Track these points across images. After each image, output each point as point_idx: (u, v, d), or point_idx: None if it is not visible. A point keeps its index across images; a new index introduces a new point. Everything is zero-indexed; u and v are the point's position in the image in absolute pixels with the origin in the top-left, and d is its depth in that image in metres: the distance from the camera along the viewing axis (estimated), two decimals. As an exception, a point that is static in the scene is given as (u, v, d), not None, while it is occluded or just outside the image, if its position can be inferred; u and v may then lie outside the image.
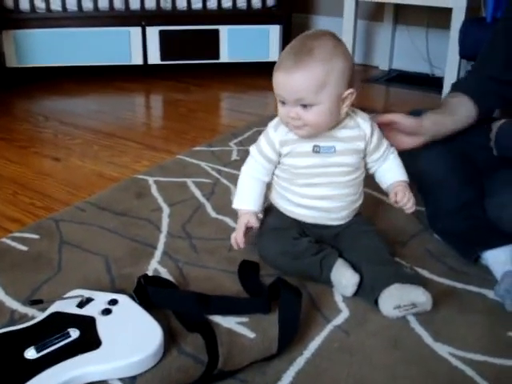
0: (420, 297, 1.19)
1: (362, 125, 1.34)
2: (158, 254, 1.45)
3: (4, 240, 1.51)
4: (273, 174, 1.39)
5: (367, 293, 1.26)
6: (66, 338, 1.08)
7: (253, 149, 1.39)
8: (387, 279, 1.23)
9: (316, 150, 1.32)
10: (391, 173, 1.41)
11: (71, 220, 1.61)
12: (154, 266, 1.40)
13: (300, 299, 1.19)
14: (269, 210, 1.45)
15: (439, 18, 3.00)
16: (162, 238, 1.52)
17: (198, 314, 1.22)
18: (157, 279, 1.31)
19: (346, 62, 1.24)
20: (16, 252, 1.46)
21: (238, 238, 1.36)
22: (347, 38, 2.91)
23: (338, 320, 1.21)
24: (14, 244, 1.49)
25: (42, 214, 1.68)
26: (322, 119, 1.26)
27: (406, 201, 1.36)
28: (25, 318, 1.22)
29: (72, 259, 1.43)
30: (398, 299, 1.19)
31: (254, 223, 1.38)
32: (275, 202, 1.43)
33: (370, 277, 1.27)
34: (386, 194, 1.44)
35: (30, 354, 1.05)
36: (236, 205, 1.42)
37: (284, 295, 1.20)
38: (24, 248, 1.48)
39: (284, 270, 1.34)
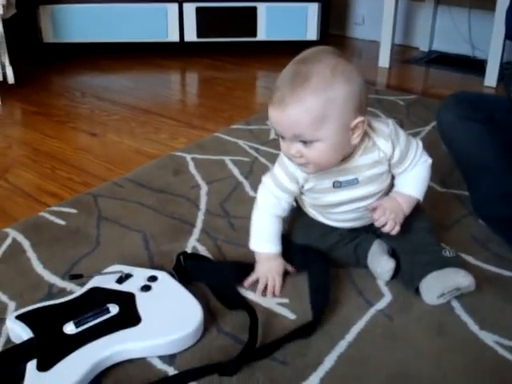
0: (463, 281, 1.16)
1: (381, 145, 1.18)
2: (196, 231, 1.43)
3: (43, 214, 1.51)
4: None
5: (407, 281, 1.23)
6: (106, 314, 1.08)
7: (268, 182, 1.24)
8: (425, 266, 1.20)
9: (337, 186, 1.20)
10: (402, 180, 1.26)
11: (109, 196, 1.60)
12: (193, 244, 1.38)
13: (328, 266, 1.22)
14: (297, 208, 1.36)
15: (483, -2, 2.92)
16: (201, 216, 1.50)
17: (237, 293, 1.21)
18: (196, 256, 1.31)
19: (351, 86, 1.07)
20: (54, 226, 1.46)
21: (277, 289, 1.22)
22: (388, 18, 2.85)
23: (381, 304, 1.18)
24: (52, 218, 1.49)
25: (80, 189, 1.67)
26: (326, 156, 1.11)
27: (382, 220, 1.20)
28: (63, 292, 1.22)
29: (110, 235, 1.42)
30: (441, 287, 1.16)
31: (291, 268, 1.27)
32: (305, 208, 1.33)
33: (407, 264, 1.24)
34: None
35: (70, 328, 1.05)
36: (259, 247, 1.26)
37: (312, 263, 1.20)
38: (62, 222, 1.47)
39: None
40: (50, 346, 1.01)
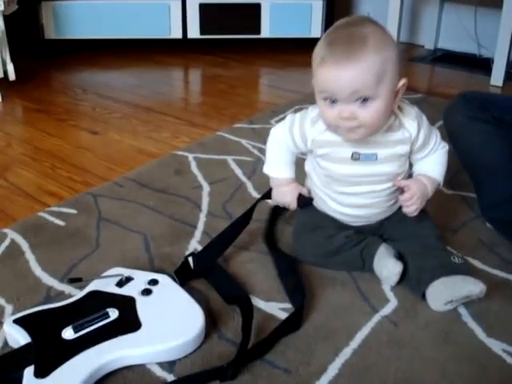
0: (473, 288, 1.13)
1: (407, 125, 1.19)
2: (197, 233, 1.41)
3: (41, 214, 1.49)
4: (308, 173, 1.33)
5: (413, 286, 1.20)
6: (105, 319, 1.05)
7: (285, 125, 1.28)
8: (433, 271, 1.17)
9: (355, 157, 1.19)
10: (424, 164, 1.26)
11: (110, 196, 1.58)
12: (194, 246, 1.35)
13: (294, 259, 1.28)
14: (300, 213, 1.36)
15: (489, -4, 2.89)
16: (202, 217, 1.47)
17: (239, 288, 1.20)
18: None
19: (396, 49, 1.13)
20: (53, 227, 1.44)
21: (292, 205, 1.32)
22: (393, 16, 2.81)
23: (386, 310, 1.15)
24: (51, 219, 1.47)
25: (80, 189, 1.65)
26: (379, 117, 1.11)
27: (408, 203, 1.22)
28: (61, 295, 1.19)
29: (110, 236, 1.40)
30: (450, 294, 1.13)
31: (305, 191, 1.33)
32: (315, 190, 1.33)
33: (415, 268, 1.20)
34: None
35: (68, 333, 1.02)
36: (269, 172, 1.34)
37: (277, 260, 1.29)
38: (61, 223, 1.45)
39: (326, 267, 1.28)
40: (48, 352, 0.99)
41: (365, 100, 1.08)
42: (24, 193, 1.64)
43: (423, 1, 3.23)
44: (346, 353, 1.05)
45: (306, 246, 1.29)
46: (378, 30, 1.10)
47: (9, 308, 1.16)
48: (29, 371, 0.95)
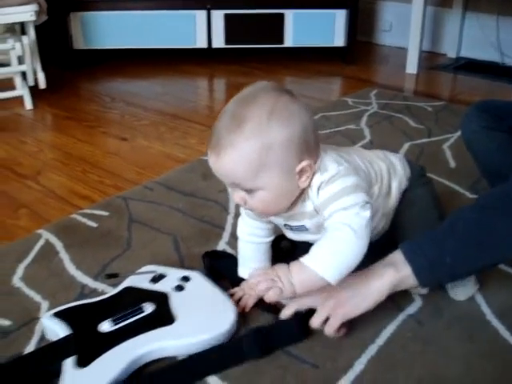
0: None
1: (310, 194, 1.03)
2: (226, 235, 1.44)
3: (74, 216, 1.54)
4: None
5: None
6: (140, 313, 1.09)
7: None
8: None
9: (288, 228, 1.14)
10: (318, 243, 1.00)
11: (140, 199, 1.63)
12: (223, 247, 1.39)
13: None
14: None
15: (511, 5, 2.90)
16: (230, 220, 1.51)
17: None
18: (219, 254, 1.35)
19: (292, 128, 0.96)
20: (86, 228, 1.48)
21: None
22: (416, 25, 2.84)
23: (411, 309, 1.18)
24: (84, 220, 1.52)
25: (111, 192, 1.70)
26: (271, 204, 1.01)
27: (260, 288, 1.00)
28: (95, 292, 1.24)
29: (141, 237, 1.44)
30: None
31: None
32: None
33: None
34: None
35: (106, 326, 1.06)
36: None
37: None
38: (94, 224, 1.50)
39: None
40: (87, 343, 1.03)
41: (248, 190, 0.99)
42: (56, 196, 1.69)
43: (445, 10, 3.25)
44: (372, 349, 1.07)
45: None
46: (265, 110, 0.95)
47: (45, 304, 1.20)
48: (69, 361, 0.99)
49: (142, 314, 1.09)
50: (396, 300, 1.20)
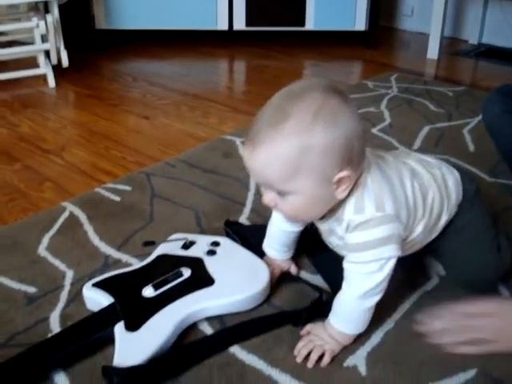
0: None
1: (343, 217, 0.99)
2: (246, 210, 1.47)
3: (98, 190, 1.57)
4: None
5: None
6: (180, 277, 1.13)
7: None
8: None
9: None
10: (336, 304, 1.02)
11: (162, 175, 1.65)
12: (243, 222, 1.42)
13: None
14: None
15: (536, -9, 2.88)
16: (251, 196, 1.53)
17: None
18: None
19: (336, 133, 0.88)
20: (109, 202, 1.51)
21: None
22: (438, 10, 2.83)
23: (428, 286, 1.20)
24: (107, 194, 1.55)
25: (133, 168, 1.72)
26: (301, 211, 0.96)
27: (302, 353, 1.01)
28: (119, 263, 1.27)
29: (163, 211, 1.47)
30: None
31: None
32: None
33: None
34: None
35: (148, 292, 1.09)
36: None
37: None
38: (117, 198, 1.53)
39: None
40: (133, 309, 1.06)
41: (280, 193, 0.94)
42: (80, 170, 1.72)
43: (468, -4, 3.23)
44: (389, 323, 1.10)
45: None
46: (311, 109, 0.88)
47: (69, 273, 1.24)
48: (119, 327, 1.01)
49: (182, 278, 1.13)
50: (414, 277, 1.22)
